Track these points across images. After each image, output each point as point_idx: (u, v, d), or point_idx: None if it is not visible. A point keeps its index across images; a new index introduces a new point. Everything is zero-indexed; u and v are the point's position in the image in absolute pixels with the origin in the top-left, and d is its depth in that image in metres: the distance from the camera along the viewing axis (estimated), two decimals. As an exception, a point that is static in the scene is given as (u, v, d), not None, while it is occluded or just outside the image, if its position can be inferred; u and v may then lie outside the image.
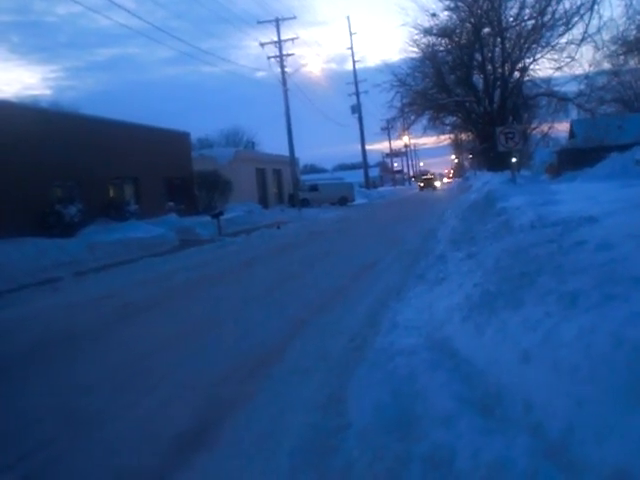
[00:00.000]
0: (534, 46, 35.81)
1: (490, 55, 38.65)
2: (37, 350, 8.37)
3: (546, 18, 29.14)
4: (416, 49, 40.01)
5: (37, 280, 15.04)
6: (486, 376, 4.26)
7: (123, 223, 24.16)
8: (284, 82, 45.02)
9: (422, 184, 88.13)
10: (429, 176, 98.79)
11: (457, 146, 75.78)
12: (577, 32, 20.03)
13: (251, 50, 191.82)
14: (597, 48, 17.33)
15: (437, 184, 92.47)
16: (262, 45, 45.57)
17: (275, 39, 45.30)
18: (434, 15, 37.55)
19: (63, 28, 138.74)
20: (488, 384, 4.14)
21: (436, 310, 6.66)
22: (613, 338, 3.29)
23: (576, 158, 29.73)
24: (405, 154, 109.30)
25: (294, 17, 47.48)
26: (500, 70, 38.15)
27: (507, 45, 37.32)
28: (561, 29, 29.82)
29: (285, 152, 48.25)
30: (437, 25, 38.57)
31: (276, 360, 6.60)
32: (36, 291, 13.74)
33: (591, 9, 12.33)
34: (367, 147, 74.25)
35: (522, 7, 34.74)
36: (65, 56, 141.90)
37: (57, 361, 7.68)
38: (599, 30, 13.62)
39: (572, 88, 35.48)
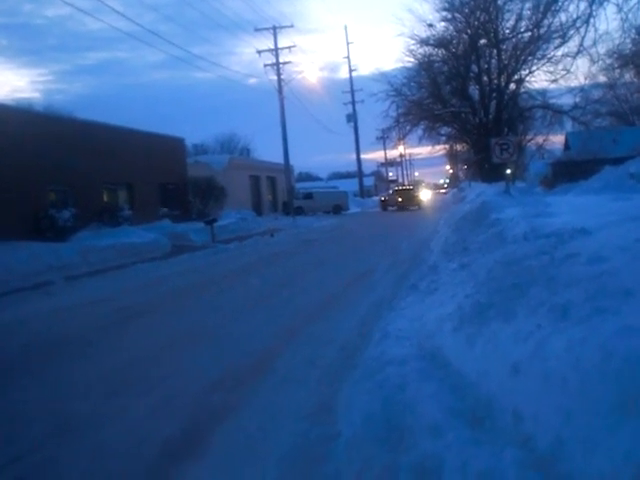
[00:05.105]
0: (530, 58, 36.01)
1: (486, 66, 38.81)
2: (28, 353, 8.34)
3: (542, 30, 29.15)
4: (412, 59, 40.16)
5: (30, 284, 14.97)
6: (476, 387, 4.26)
7: (116, 228, 24.06)
8: (280, 90, 45.01)
9: (384, 200, 55.32)
10: (406, 187, 61.40)
11: (452, 157, 75.92)
12: (573, 45, 20.10)
13: (245, 56, 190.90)
14: (593, 61, 17.38)
15: (423, 199, 55.06)
16: (259, 52, 45.54)
17: (271, 46, 45.32)
18: (431, 26, 37.77)
19: (52, 31, 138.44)
20: (478, 395, 4.14)
21: (428, 320, 6.65)
22: (603, 351, 3.29)
23: (570, 170, 29.82)
24: (400, 164, 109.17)
25: (291, 25, 47.73)
26: (496, 81, 38.29)
27: (503, 57, 37.49)
28: (557, 42, 29.97)
29: (280, 159, 48.28)
30: (434, 36, 38.75)
31: (267, 368, 6.59)
32: (29, 295, 13.69)
33: (587, 22, 12.34)
34: (362, 156, 74.32)
35: (518, 19, 34.96)
36: (54, 59, 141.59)
37: (48, 364, 7.62)
38: (595, 43, 13.62)
39: (567, 100, 35.70)
